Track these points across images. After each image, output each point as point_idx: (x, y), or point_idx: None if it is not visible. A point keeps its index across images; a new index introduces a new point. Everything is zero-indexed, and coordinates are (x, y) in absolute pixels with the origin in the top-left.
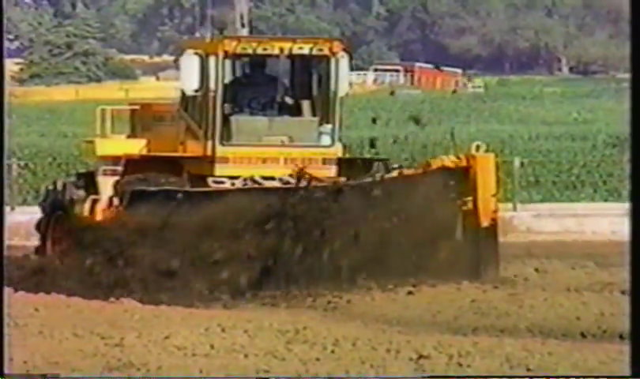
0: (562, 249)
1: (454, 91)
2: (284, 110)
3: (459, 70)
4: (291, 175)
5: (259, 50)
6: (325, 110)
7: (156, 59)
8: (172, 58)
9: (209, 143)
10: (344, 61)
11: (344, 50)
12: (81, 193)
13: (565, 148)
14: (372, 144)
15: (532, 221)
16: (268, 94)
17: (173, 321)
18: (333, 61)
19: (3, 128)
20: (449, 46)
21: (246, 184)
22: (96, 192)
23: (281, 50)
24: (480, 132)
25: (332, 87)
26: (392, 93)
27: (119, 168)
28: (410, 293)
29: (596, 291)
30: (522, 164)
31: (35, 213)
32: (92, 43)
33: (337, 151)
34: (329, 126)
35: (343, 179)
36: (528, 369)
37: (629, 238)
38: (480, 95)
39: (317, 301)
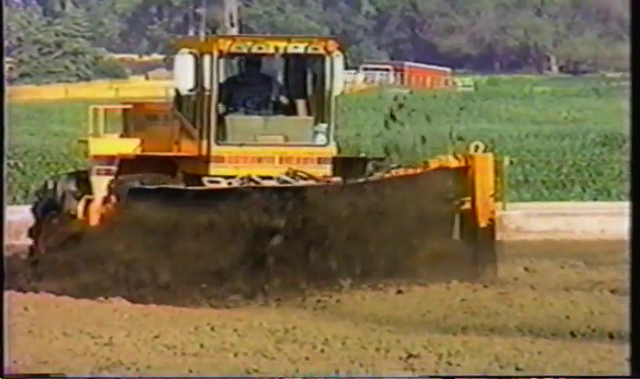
0: (552, 248)
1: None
2: (279, 109)
3: (448, 69)
4: (287, 174)
5: (254, 50)
6: (320, 110)
7: (146, 58)
8: (162, 57)
9: (204, 142)
10: (339, 60)
11: (339, 49)
12: (75, 192)
13: (554, 147)
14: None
15: (522, 220)
16: (263, 93)
17: (162, 320)
18: (328, 60)
19: (3, 128)
20: (439, 45)
21: (243, 183)
22: (90, 192)
23: (276, 49)
24: (469, 131)
25: (327, 86)
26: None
27: (113, 168)
28: (400, 292)
29: (585, 290)
30: (512, 163)
31: (23, 212)
32: (81, 42)
33: (332, 150)
34: (324, 125)
35: (338, 178)
36: (518, 368)
37: (629, 237)
38: (469, 94)
39: (306, 300)
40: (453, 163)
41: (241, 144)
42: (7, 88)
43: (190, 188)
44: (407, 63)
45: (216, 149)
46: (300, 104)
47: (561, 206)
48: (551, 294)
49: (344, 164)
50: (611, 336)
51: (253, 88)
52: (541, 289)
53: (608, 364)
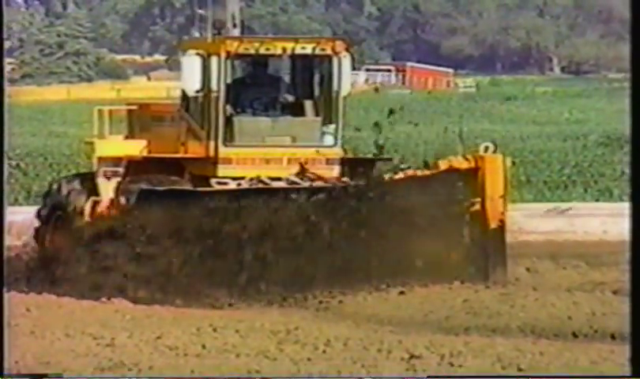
0: (554, 248)
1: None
2: (286, 110)
3: (450, 70)
4: (297, 175)
5: (261, 50)
6: (327, 110)
7: (148, 59)
8: (163, 57)
9: (212, 144)
10: (346, 61)
11: (346, 49)
12: (81, 194)
13: (556, 148)
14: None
15: (524, 221)
16: (270, 94)
17: (164, 321)
18: (335, 60)
19: (3, 128)
20: (441, 46)
21: (252, 184)
22: (96, 193)
23: (284, 50)
24: (471, 132)
25: (334, 86)
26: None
27: (120, 169)
28: (402, 293)
29: (587, 291)
30: (514, 164)
31: (25, 213)
32: (83, 42)
33: (340, 150)
34: (332, 126)
35: (346, 179)
36: (520, 369)
37: (629, 238)
38: (471, 94)
39: (308, 301)
40: (463, 164)
41: (249, 146)
42: (9, 89)
43: (200, 189)
44: (409, 64)
45: (223, 151)
46: (308, 105)
47: (563, 207)
48: (553, 295)
49: (351, 165)
50: (613, 337)
51: (260, 89)
52: (543, 290)
53: (609, 364)
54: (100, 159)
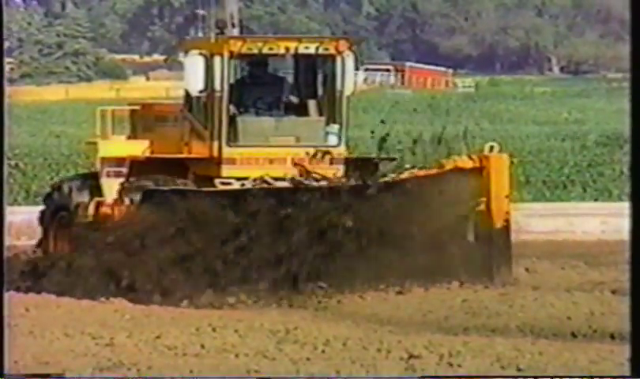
0: (553, 248)
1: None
2: (290, 110)
3: (450, 70)
4: (301, 175)
5: (265, 50)
6: (331, 110)
7: (147, 59)
8: (162, 57)
9: (216, 144)
10: (349, 60)
11: (350, 48)
12: (84, 194)
13: (555, 148)
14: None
15: (523, 220)
16: (273, 94)
17: (164, 321)
18: (339, 60)
19: (3, 128)
20: (440, 45)
21: (256, 184)
22: (99, 193)
23: (287, 49)
24: (470, 132)
25: (338, 86)
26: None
27: (123, 169)
28: (400, 293)
29: (586, 291)
30: (512, 163)
31: (24, 213)
32: (82, 42)
33: (344, 150)
34: (335, 126)
35: (351, 179)
36: (519, 369)
37: (629, 238)
38: (470, 94)
39: (307, 300)
40: (468, 163)
41: (252, 146)
42: (8, 89)
43: (205, 189)
44: (408, 64)
45: (227, 151)
46: (311, 105)
47: (562, 206)
48: (552, 295)
49: (355, 165)
50: (612, 337)
51: (264, 88)
52: (542, 289)
53: (609, 364)
54: (104, 159)
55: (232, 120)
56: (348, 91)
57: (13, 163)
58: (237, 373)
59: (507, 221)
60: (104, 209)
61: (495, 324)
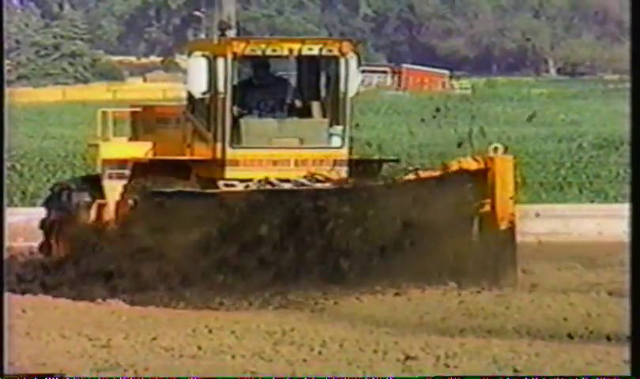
0: (549, 250)
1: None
2: (293, 111)
3: (446, 71)
4: (305, 177)
5: (268, 52)
6: (334, 112)
7: (143, 60)
8: (159, 59)
9: (219, 145)
10: (353, 62)
11: (353, 50)
12: (86, 196)
13: (552, 149)
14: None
15: (519, 222)
16: (277, 95)
17: (160, 322)
18: (342, 61)
19: (3, 128)
20: (437, 47)
21: (261, 186)
22: (101, 196)
23: (290, 51)
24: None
25: (341, 87)
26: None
27: (126, 172)
28: (397, 294)
29: (583, 292)
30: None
31: (21, 214)
32: (79, 44)
33: (347, 152)
34: (339, 128)
35: (355, 181)
36: (516, 370)
37: (629, 238)
38: (467, 96)
39: (304, 302)
40: (473, 165)
41: (256, 147)
42: (5, 90)
43: (209, 191)
44: (404, 65)
45: (231, 152)
46: (315, 106)
47: (558, 208)
48: (548, 296)
49: (357, 166)
50: (608, 338)
51: (267, 90)
52: (538, 291)
53: (605, 366)
54: (105, 161)
55: (236, 121)
56: (351, 93)
57: (9, 164)
58: (233, 374)
59: (512, 223)
60: (106, 211)
61: (491, 325)
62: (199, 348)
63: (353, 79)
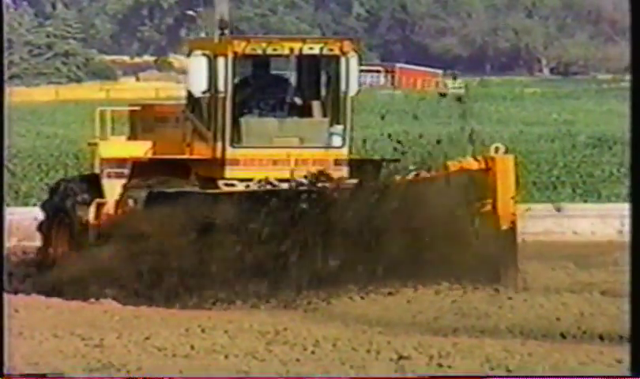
0: (543, 249)
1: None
2: (293, 111)
3: (440, 71)
4: (305, 177)
5: (269, 51)
6: (335, 111)
7: (137, 60)
8: (152, 58)
9: (219, 145)
10: (354, 61)
11: (354, 49)
12: (84, 195)
13: (545, 149)
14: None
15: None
16: (277, 95)
17: (153, 322)
18: (343, 60)
19: (3, 128)
20: (430, 46)
21: (261, 186)
22: (99, 195)
23: (291, 50)
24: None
25: (342, 87)
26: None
27: (125, 171)
28: (390, 294)
29: (575, 292)
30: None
31: (14, 214)
32: (72, 43)
33: (348, 151)
34: (339, 127)
35: (356, 181)
36: (509, 370)
37: (629, 238)
38: (460, 95)
39: (297, 302)
40: (474, 164)
41: (256, 147)
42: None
43: (211, 191)
44: (398, 65)
45: (231, 152)
46: (315, 106)
47: (552, 207)
48: (541, 296)
49: (358, 166)
50: (601, 338)
51: (267, 89)
52: (531, 290)
53: (598, 365)
54: (104, 160)
55: (236, 121)
56: (352, 92)
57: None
58: (226, 374)
59: (513, 222)
60: (106, 210)
61: (484, 325)
62: (192, 348)
63: (354, 78)
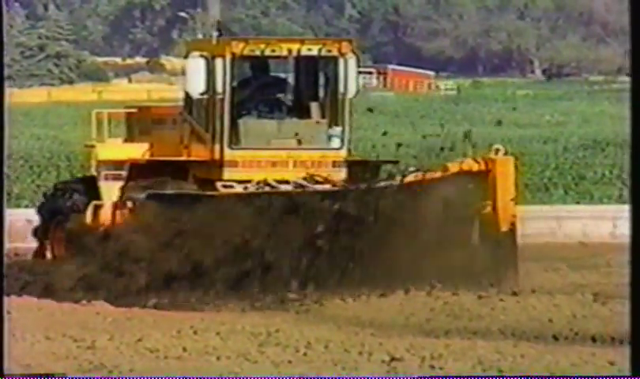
0: (535, 251)
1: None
2: (292, 112)
3: (432, 72)
4: (304, 178)
5: (267, 52)
6: (333, 112)
7: (129, 61)
8: (144, 60)
9: (217, 146)
10: (352, 62)
11: (353, 50)
12: (81, 198)
13: (537, 151)
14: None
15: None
16: (275, 96)
17: (145, 324)
18: (341, 61)
19: (3, 128)
20: (422, 48)
21: (259, 188)
22: (96, 197)
23: (289, 51)
24: (454, 134)
25: (341, 88)
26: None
27: (122, 173)
28: (382, 296)
29: (568, 294)
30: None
31: (6, 215)
32: (64, 44)
33: (346, 153)
34: (338, 128)
35: (354, 182)
36: (501, 372)
37: (629, 238)
38: (452, 97)
39: (289, 303)
40: (474, 166)
41: (254, 148)
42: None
43: (209, 193)
44: (390, 66)
45: (229, 153)
46: (314, 107)
47: (544, 209)
48: (533, 298)
49: (357, 168)
50: (593, 340)
51: (266, 90)
52: (524, 292)
53: (590, 367)
54: (101, 162)
55: (234, 122)
56: (350, 94)
57: None
58: (219, 375)
59: (513, 224)
60: (103, 212)
61: (476, 326)
62: (184, 349)
63: (352, 79)
